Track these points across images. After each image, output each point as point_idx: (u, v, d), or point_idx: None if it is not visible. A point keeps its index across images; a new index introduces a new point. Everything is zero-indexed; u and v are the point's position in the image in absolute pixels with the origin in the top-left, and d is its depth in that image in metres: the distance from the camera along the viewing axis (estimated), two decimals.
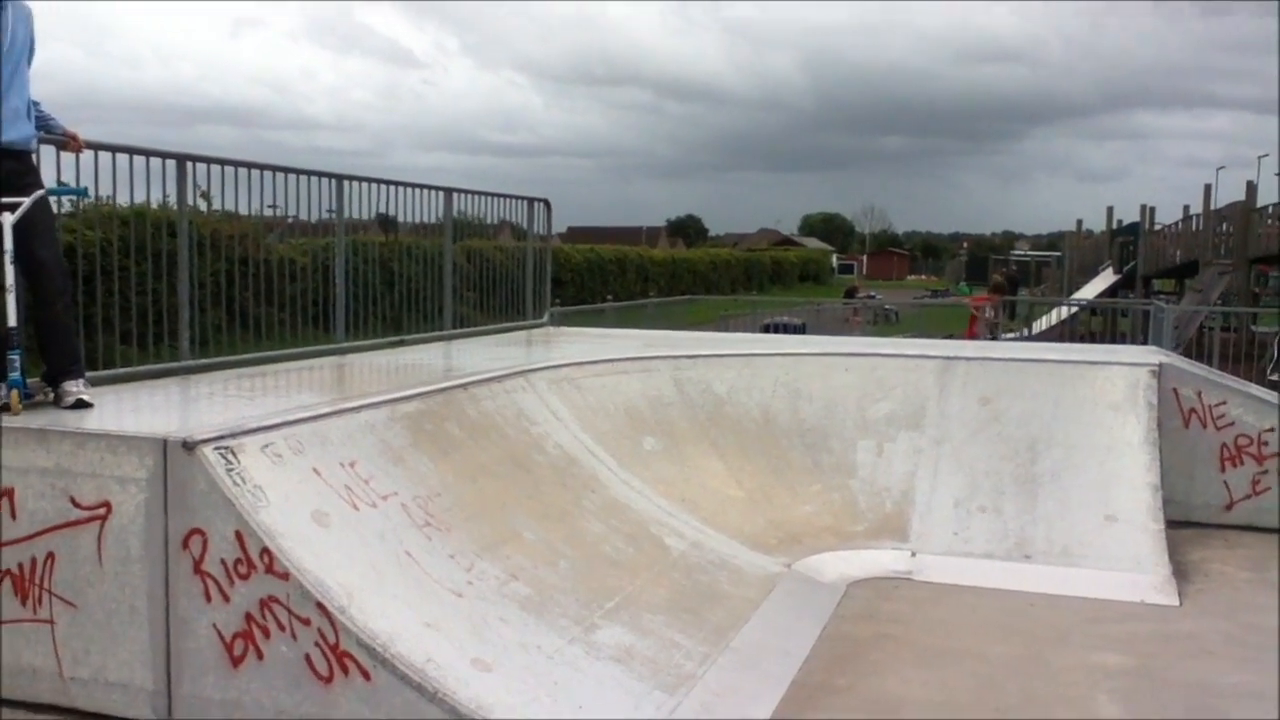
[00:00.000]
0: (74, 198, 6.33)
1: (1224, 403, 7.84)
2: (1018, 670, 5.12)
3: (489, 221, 10.72)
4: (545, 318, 11.29)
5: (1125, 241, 35.84)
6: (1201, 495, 7.80)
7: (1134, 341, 16.81)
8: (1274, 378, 15.57)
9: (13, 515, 4.54)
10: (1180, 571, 6.58)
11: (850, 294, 38.62)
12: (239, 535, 4.20)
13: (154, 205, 6.89)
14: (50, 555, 4.47)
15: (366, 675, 3.99)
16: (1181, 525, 7.44)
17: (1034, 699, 4.80)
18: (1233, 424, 7.79)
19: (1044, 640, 5.53)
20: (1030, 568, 6.56)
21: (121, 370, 6.38)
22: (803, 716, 4.58)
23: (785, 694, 4.80)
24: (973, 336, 16.55)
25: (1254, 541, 7.38)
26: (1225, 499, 7.79)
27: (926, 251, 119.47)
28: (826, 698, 4.78)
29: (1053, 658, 5.31)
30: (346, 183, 8.48)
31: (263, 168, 7.67)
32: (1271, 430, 7.70)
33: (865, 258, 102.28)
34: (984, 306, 17.98)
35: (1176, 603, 6.14)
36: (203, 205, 7.26)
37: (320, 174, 8.27)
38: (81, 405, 5.14)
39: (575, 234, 66.74)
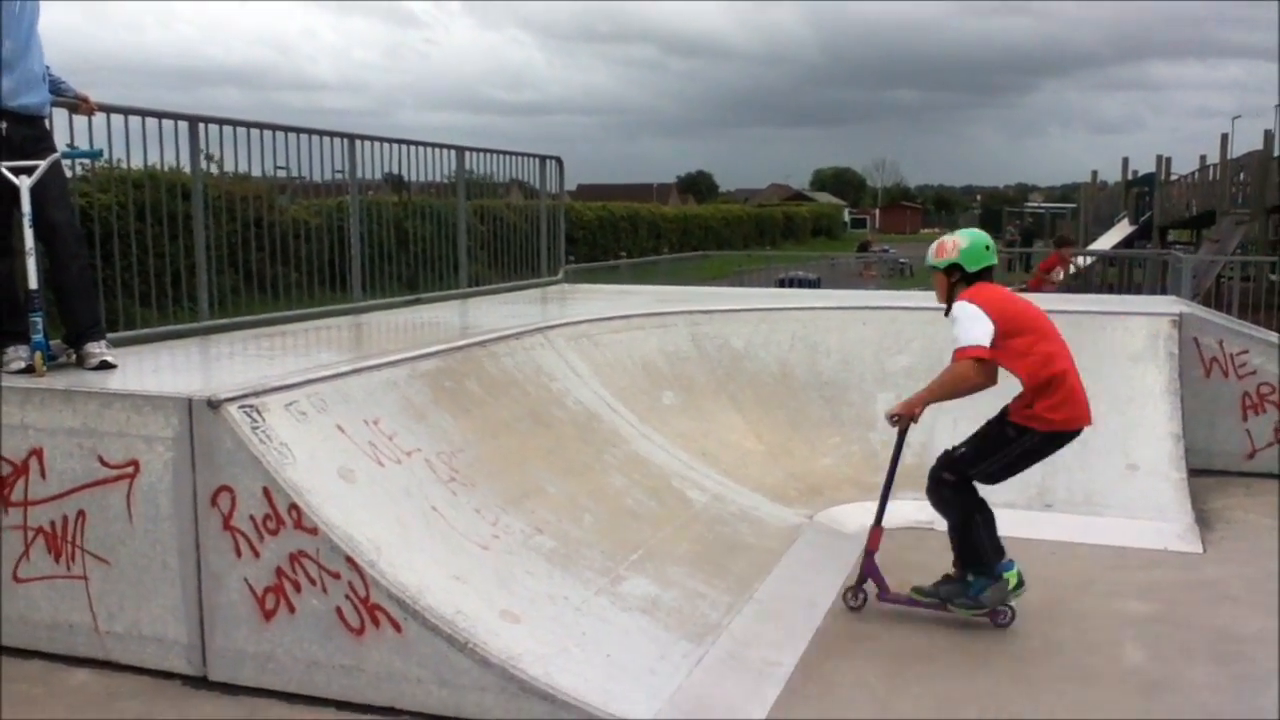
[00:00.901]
0: (85, 161, 6.32)
1: (1245, 351, 7.80)
2: (1041, 617, 5.14)
3: (499, 180, 10.69)
4: (560, 275, 11.28)
5: (1141, 192, 35.51)
6: (1223, 443, 7.78)
7: (1151, 292, 16.72)
8: None
9: (42, 475, 4.58)
10: (1202, 519, 6.58)
11: (864, 248, 38.44)
12: (267, 492, 4.23)
13: (165, 168, 6.89)
14: (81, 513, 4.51)
15: (397, 627, 4.03)
16: (1203, 474, 7.44)
17: (1058, 646, 4.82)
18: (1254, 372, 7.76)
19: (1067, 588, 5.55)
20: (1052, 516, 6.57)
21: (141, 331, 6.41)
22: (828, 663, 4.61)
23: (811, 642, 4.83)
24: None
25: (1275, 489, 7.36)
26: (1247, 447, 7.77)
27: (939, 205, 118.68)
28: (852, 645, 4.81)
29: (1076, 605, 5.32)
30: (359, 142, 8.46)
31: (274, 128, 7.65)
32: None
33: (878, 212, 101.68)
34: (1055, 269, 16.42)
35: (1199, 550, 6.14)
36: (213, 169, 7.24)
37: (332, 134, 8.25)
38: (105, 366, 5.16)
39: (585, 191, 66.46)
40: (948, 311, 5.15)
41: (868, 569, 5.22)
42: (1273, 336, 8.19)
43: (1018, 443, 5.09)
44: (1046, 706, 4.23)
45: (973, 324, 4.95)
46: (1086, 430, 6.95)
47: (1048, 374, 4.98)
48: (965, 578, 5.12)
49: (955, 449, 5.21)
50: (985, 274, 5.18)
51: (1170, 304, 8.75)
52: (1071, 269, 16.42)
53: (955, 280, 5.18)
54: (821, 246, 61.03)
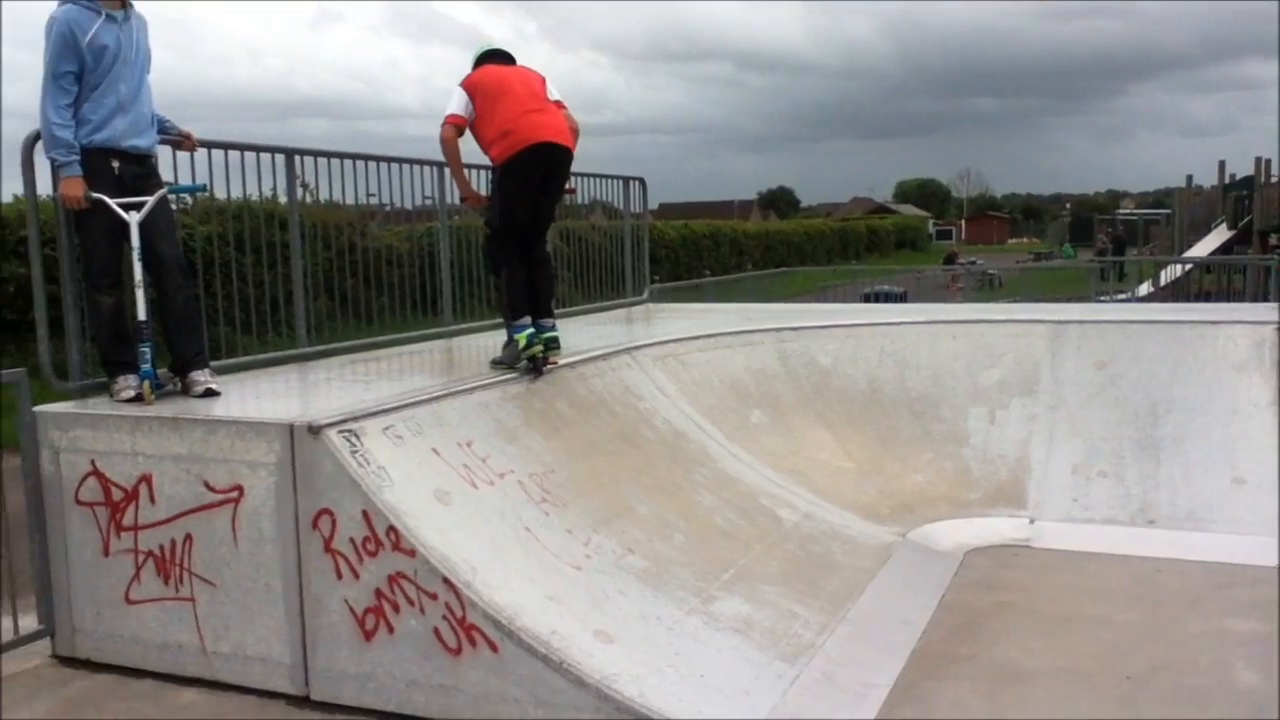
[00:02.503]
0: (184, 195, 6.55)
1: None
2: (1146, 637, 5.00)
3: (581, 202, 10.79)
4: (645, 294, 11.33)
5: (1239, 196, 34.39)
6: None
7: (1252, 299, 16.18)
8: None
9: (151, 500, 4.75)
10: None
11: (950, 260, 37.89)
12: (366, 514, 4.33)
13: (257, 198, 7.10)
14: (189, 537, 4.67)
15: (494, 647, 4.09)
16: None
17: (1165, 666, 4.68)
18: None
19: (1172, 606, 5.39)
20: (1155, 533, 6.39)
21: (242, 359, 6.61)
22: (924, 685, 4.54)
23: (906, 662, 4.76)
24: None
25: None
26: None
27: (1027, 214, 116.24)
28: (949, 666, 4.74)
29: (1182, 624, 5.17)
30: (447, 169, 8.60)
31: (365, 158, 7.84)
32: None
33: (963, 222, 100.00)
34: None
35: None
36: (307, 198, 7.44)
37: (423, 162, 8.42)
38: (210, 394, 5.34)
39: (666, 210, 66.73)
40: None
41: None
42: None
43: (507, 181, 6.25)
44: None
45: (451, 102, 6.22)
46: (1189, 442, 6.84)
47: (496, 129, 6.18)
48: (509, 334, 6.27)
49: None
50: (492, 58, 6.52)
51: (1274, 311, 8.46)
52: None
53: None
54: (906, 259, 60.30)
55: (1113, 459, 6.97)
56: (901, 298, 20.02)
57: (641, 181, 11.34)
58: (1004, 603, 5.51)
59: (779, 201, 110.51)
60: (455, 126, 6.20)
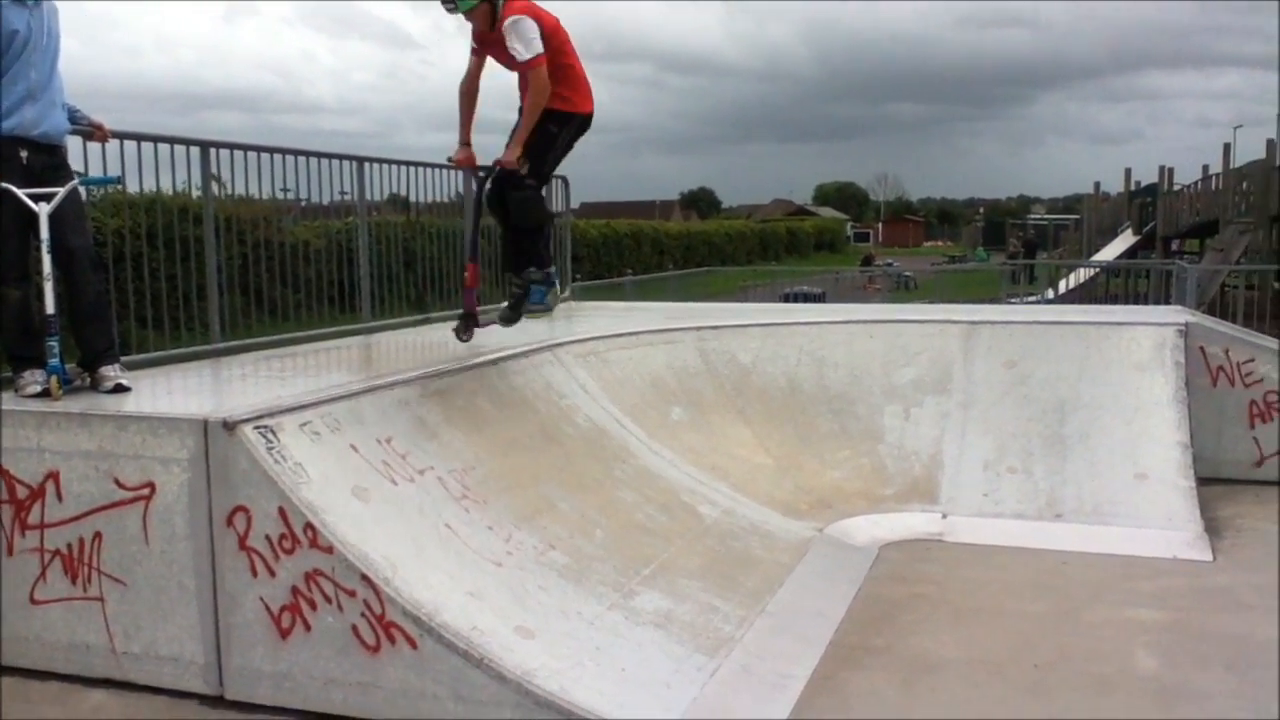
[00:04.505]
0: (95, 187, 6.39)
1: (1252, 360, 7.81)
2: (1053, 627, 5.16)
3: None
4: (566, 293, 11.32)
5: (1144, 203, 35.60)
6: (1231, 452, 7.78)
7: (1155, 302, 16.74)
8: None
9: (59, 497, 4.62)
10: (1212, 527, 6.59)
11: (867, 262, 38.53)
12: (282, 511, 4.26)
13: (170, 192, 6.96)
14: (98, 535, 4.55)
15: (413, 644, 4.06)
16: (1212, 482, 7.43)
17: (1070, 654, 4.83)
18: (1260, 380, 7.76)
19: (1078, 597, 5.56)
20: (1062, 527, 6.58)
21: (154, 354, 6.47)
22: (841, 675, 4.63)
23: (823, 654, 4.84)
24: None
25: None
26: (1255, 455, 7.77)
27: (942, 218, 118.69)
28: (864, 657, 4.83)
29: (1087, 614, 5.34)
30: (367, 165, 8.53)
31: (284, 152, 7.74)
32: None
33: (880, 225, 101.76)
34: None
35: (1209, 558, 6.15)
36: (221, 191, 7.31)
37: (341, 156, 8.34)
38: (120, 389, 5.21)
39: (588, 209, 66.63)
40: (493, 27, 5.62)
41: (468, 304, 6.23)
42: (1276, 344, 8.22)
43: (562, 134, 6.01)
44: (1059, 713, 4.24)
45: (532, 33, 5.61)
46: (1095, 439, 7.07)
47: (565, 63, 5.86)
48: (528, 286, 6.23)
49: (515, 169, 5.94)
50: None
51: (1176, 313, 8.78)
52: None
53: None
54: (825, 261, 61.08)
55: (1022, 455, 7.16)
56: (820, 298, 20.30)
57: (564, 180, 11.33)
58: (918, 595, 5.63)
59: (700, 202, 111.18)
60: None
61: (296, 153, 7.83)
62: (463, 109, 6.00)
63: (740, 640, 4.83)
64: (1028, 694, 4.44)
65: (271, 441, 4.46)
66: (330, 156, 8.21)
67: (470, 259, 6.45)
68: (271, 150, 7.56)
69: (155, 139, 6.50)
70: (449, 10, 5.54)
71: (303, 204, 8.61)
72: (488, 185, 6.22)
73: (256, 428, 4.46)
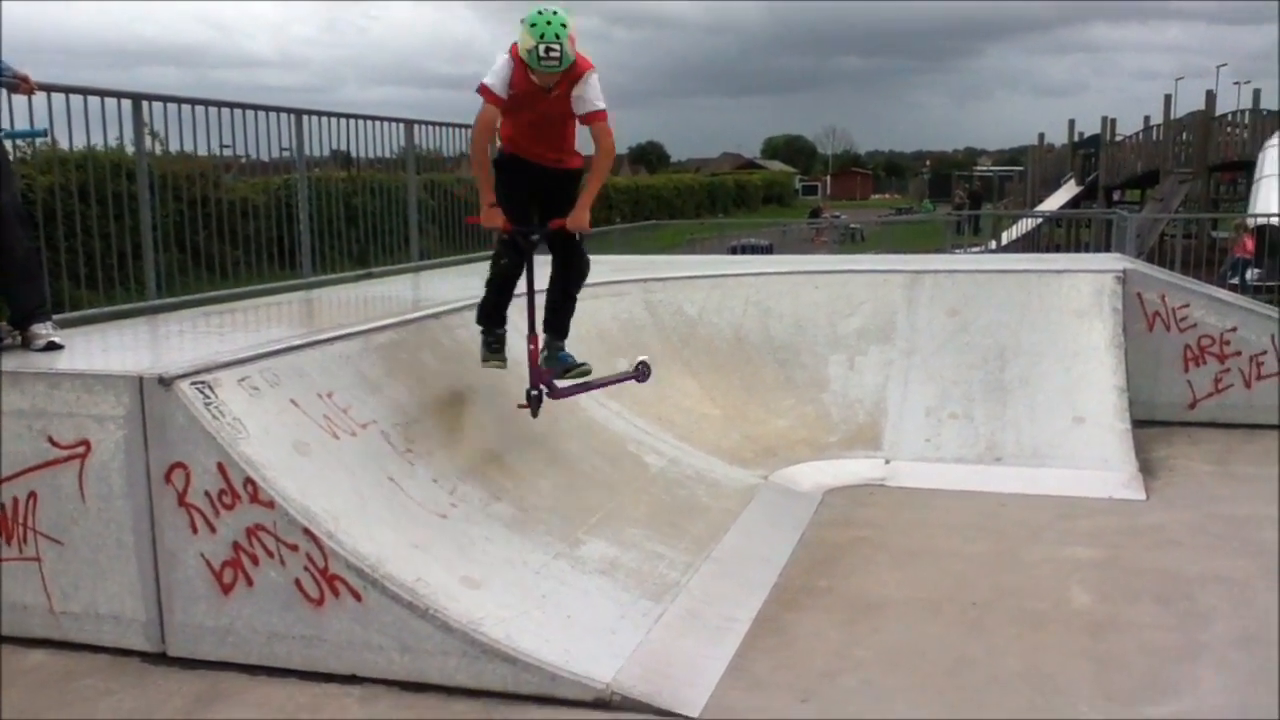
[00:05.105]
0: (25, 141, 6.22)
1: (1187, 305, 7.97)
2: (991, 566, 5.27)
3: (448, 154, 10.63)
4: None
5: (1087, 154, 35.94)
6: (1166, 395, 7.96)
7: (1097, 251, 16.97)
8: (1233, 281, 15.80)
9: None
10: (1146, 468, 6.75)
11: (815, 214, 38.63)
12: (221, 467, 4.22)
13: (105, 148, 6.79)
14: (32, 495, 4.48)
15: (357, 596, 4.06)
16: (1147, 424, 7.61)
17: (1008, 592, 4.94)
18: (1195, 325, 7.93)
19: (1016, 537, 5.69)
20: (1001, 470, 6.71)
21: (88, 312, 6.34)
22: (785, 616, 4.70)
23: (768, 597, 4.92)
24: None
25: (1216, 437, 7.57)
26: (1189, 398, 7.96)
27: (890, 170, 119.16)
28: (808, 599, 4.91)
29: (1025, 553, 5.46)
30: (305, 118, 8.38)
31: (220, 105, 7.57)
32: (1233, 330, 7.84)
33: (829, 178, 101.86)
34: None
35: (1143, 497, 6.31)
36: (156, 147, 7.14)
37: (279, 109, 8.17)
38: (53, 347, 5.10)
39: None
40: (574, 77, 5.07)
41: (537, 378, 5.54)
42: (1213, 290, 8.39)
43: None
44: (996, 648, 4.35)
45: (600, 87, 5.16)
46: (1034, 384, 7.19)
47: None
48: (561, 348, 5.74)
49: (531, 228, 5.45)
50: None
51: (1115, 261, 8.90)
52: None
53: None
54: (773, 214, 61.20)
55: (963, 401, 7.27)
56: (767, 250, 20.36)
57: None
58: (860, 538, 5.72)
59: (649, 156, 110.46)
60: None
61: (232, 105, 7.66)
62: (482, 165, 5.33)
63: (685, 586, 4.88)
64: (965, 630, 4.54)
65: (209, 397, 4.40)
66: (267, 109, 8.03)
67: (533, 331, 5.59)
68: (206, 103, 7.40)
69: (85, 91, 6.33)
70: (549, 69, 4.93)
71: (244, 160, 8.46)
72: (531, 245, 5.53)
73: (194, 383, 4.40)
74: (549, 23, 4.87)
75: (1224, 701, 3.90)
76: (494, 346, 5.73)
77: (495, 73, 5.09)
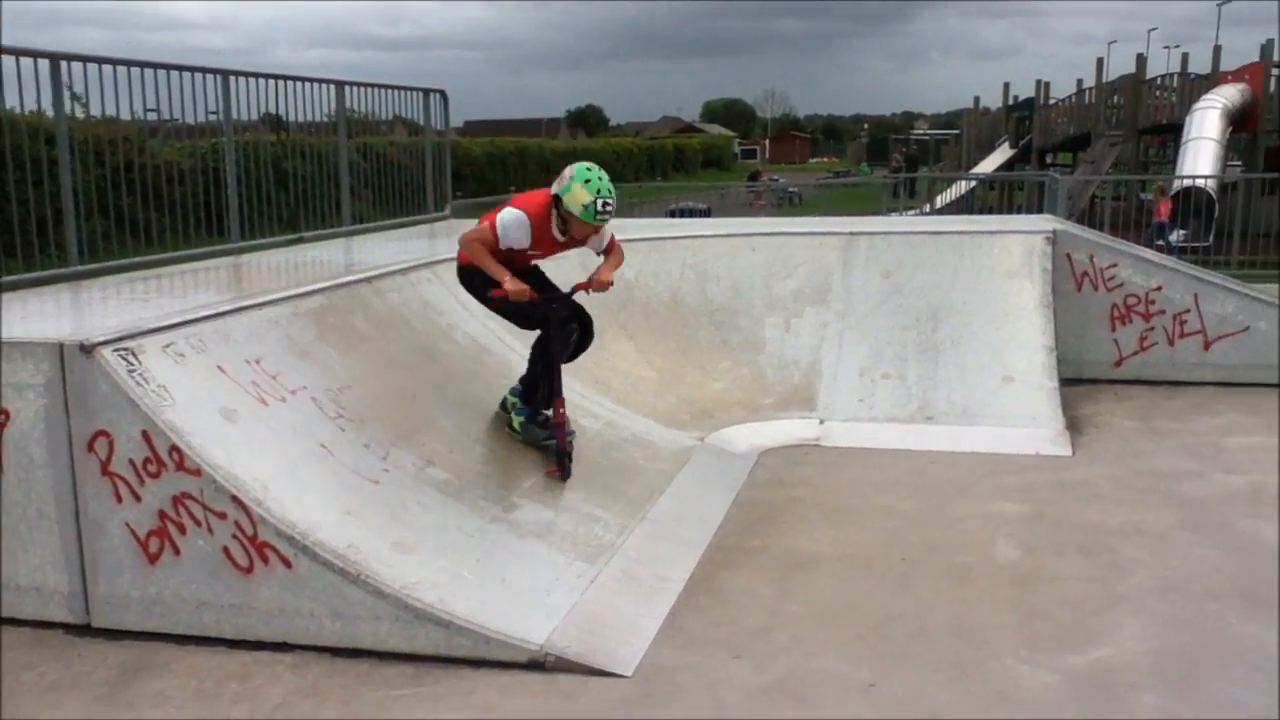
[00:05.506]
0: None
1: (1114, 265, 8.12)
2: (921, 522, 5.36)
3: (382, 117, 10.46)
4: (447, 211, 11.12)
5: (1021, 117, 36.35)
6: (1093, 353, 8.13)
7: (1030, 212, 17.22)
8: (1159, 243, 16.15)
9: None
10: (1073, 424, 6.90)
11: (754, 178, 38.69)
12: (146, 435, 4.14)
13: (22, 111, 6.57)
14: None
15: (288, 563, 4.02)
16: (1075, 382, 7.78)
17: (937, 547, 5.04)
18: (1122, 285, 8.09)
19: (945, 494, 5.79)
20: (932, 428, 6.82)
21: (7, 279, 6.16)
22: (719, 575, 4.74)
23: (702, 556, 4.96)
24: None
25: (1141, 393, 7.75)
26: (1115, 356, 8.13)
27: (828, 134, 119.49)
28: (742, 557, 4.96)
29: (953, 509, 5.56)
30: (232, 79, 8.18)
31: (142, 65, 7.35)
32: (1158, 289, 8.01)
33: (768, 142, 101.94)
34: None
35: (1069, 453, 6.45)
36: (78, 110, 6.93)
37: (205, 70, 7.96)
38: None
39: (473, 128, 65.37)
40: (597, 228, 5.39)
41: (562, 437, 5.51)
42: (1140, 250, 8.55)
43: None
44: (924, 602, 4.43)
45: None
46: (965, 344, 7.31)
47: None
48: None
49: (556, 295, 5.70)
50: None
51: (1045, 222, 9.03)
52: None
53: None
54: (712, 178, 61.20)
55: (896, 361, 7.36)
56: (706, 213, 20.35)
57: (442, 94, 11.06)
58: (794, 498, 5.78)
59: (588, 120, 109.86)
60: None
61: (155, 65, 7.44)
62: (489, 260, 5.35)
63: (621, 547, 4.90)
64: (894, 585, 4.62)
65: (133, 364, 4.31)
66: (193, 69, 7.82)
67: (560, 394, 5.57)
68: (127, 63, 7.17)
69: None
70: (602, 222, 5.27)
71: (171, 124, 8.24)
72: (556, 309, 5.62)
73: (116, 350, 4.30)
74: (601, 178, 5.20)
75: (1142, 648, 4.01)
76: (545, 426, 5.65)
77: (510, 232, 5.28)
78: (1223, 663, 3.88)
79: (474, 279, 5.58)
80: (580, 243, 5.49)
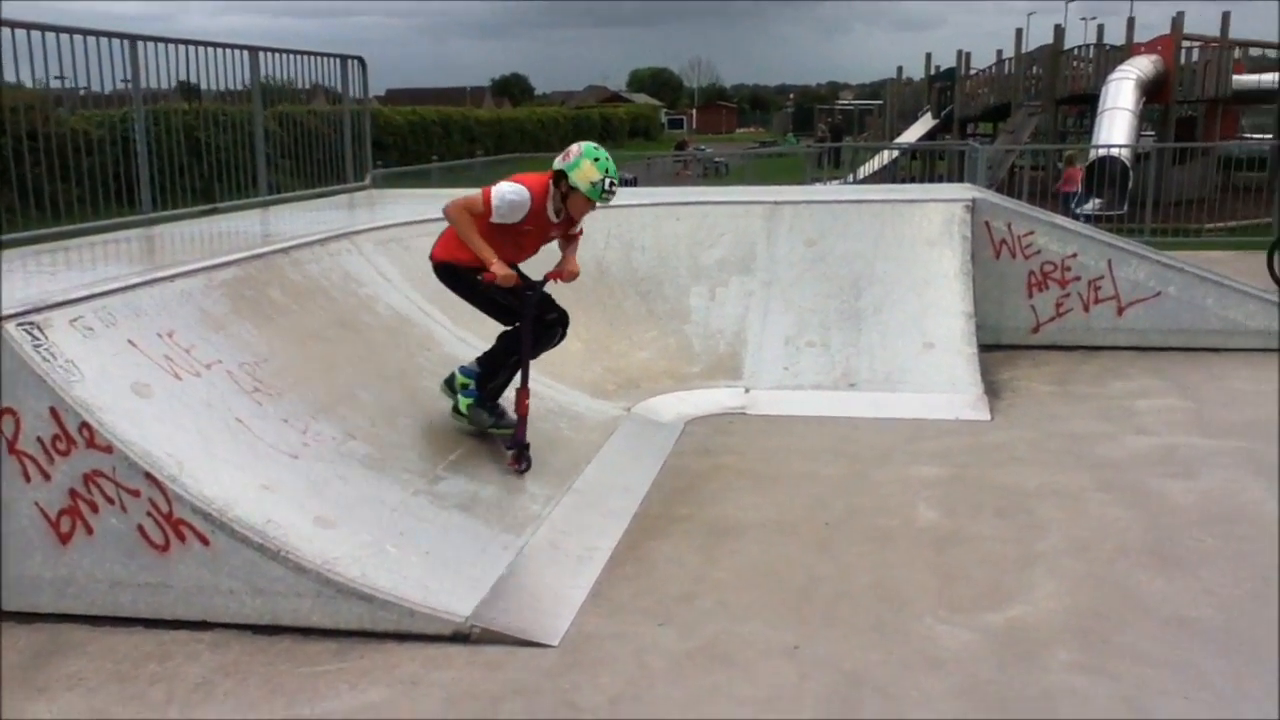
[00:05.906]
0: None
1: (1031, 233, 8.27)
2: (844, 488, 5.43)
3: (300, 86, 10.23)
4: (367, 180, 10.94)
5: (943, 87, 36.74)
6: (1011, 320, 8.28)
7: (951, 181, 17.45)
8: (1078, 211, 16.49)
9: None
10: (991, 390, 7.04)
11: (680, 148, 38.66)
12: (54, 412, 4.02)
13: None
14: None
15: (205, 540, 3.94)
16: (993, 348, 7.92)
17: (859, 511, 5.11)
18: (1039, 252, 8.24)
19: (868, 460, 5.87)
20: (855, 395, 6.90)
21: None
22: (645, 544, 4.76)
23: (629, 525, 4.98)
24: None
25: (1057, 359, 7.93)
26: (1032, 322, 8.30)
27: (755, 104, 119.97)
28: (668, 525, 4.98)
29: (876, 474, 5.64)
30: (140, 44, 7.92)
31: (43, 29, 7.07)
32: (1074, 256, 8.17)
33: (694, 112, 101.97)
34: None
35: (988, 417, 6.58)
36: None
37: (110, 34, 7.68)
38: None
39: (395, 96, 64.43)
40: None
41: (522, 435, 5.39)
42: (1056, 218, 8.72)
43: None
44: (847, 565, 4.49)
45: None
46: (887, 312, 7.38)
47: None
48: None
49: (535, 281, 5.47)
50: None
51: (965, 191, 9.17)
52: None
53: None
54: (638, 148, 60.97)
55: (820, 329, 7.43)
56: (632, 183, 20.27)
57: (360, 61, 10.84)
58: (720, 466, 5.82)
59: (513, 89, 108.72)
60: None
61: (57, 29, 7.16)
62: (476, 236, 5.17)
63: (547, 518, 4.89)
64: (818, 549, 4.68)
65: (39, 339, 4.17)
66: (97, 34, 7.55)
67: (525, 385, 5.41)
68: (28, 26, 6.90)
69: None
70: (605, 202, 5.15)
71: (79, 92, 7.96)
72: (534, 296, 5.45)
73: (21, 324, 4.17)
74: (608, 159, 5.12)
75: (1057, 605, 4.12)
76: (494, 413, 5.50)
77: (509, 205, 5.10)
78: (1133, 618, 4.00)
79: (458, 274, 5.36)
80: (564, 229, 5.37)
